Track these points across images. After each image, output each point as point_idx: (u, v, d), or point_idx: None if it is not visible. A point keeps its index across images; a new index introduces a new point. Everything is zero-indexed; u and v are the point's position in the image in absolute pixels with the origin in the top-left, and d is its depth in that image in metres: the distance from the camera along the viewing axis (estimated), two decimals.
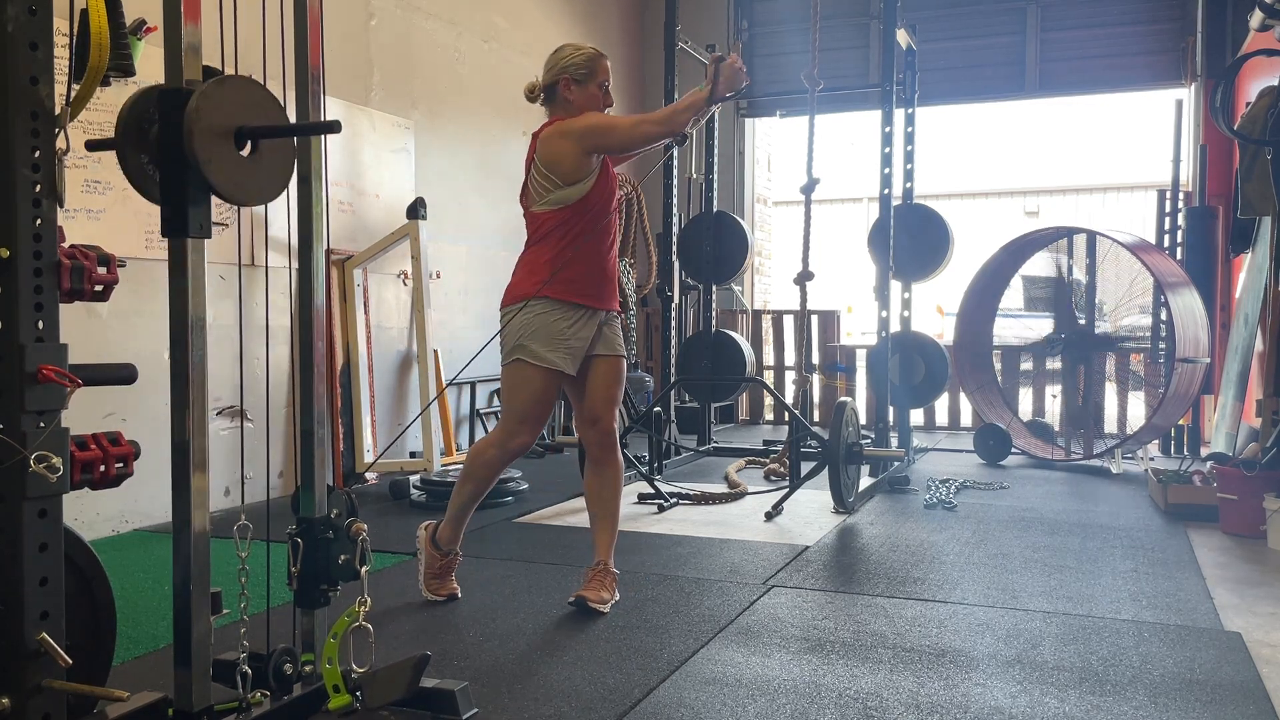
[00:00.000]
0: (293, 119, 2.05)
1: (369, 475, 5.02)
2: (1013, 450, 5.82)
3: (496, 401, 6.24)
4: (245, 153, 1.72)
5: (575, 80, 2.89)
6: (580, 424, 2.96)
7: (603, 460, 2.91)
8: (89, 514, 3.77)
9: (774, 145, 8.96)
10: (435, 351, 5.20)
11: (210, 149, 1.64)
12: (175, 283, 1.72)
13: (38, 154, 1.54)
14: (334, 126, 1.82)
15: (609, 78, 2.93)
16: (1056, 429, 6.19)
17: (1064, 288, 5.90)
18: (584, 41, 3.09)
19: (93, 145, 1.81)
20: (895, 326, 5.53)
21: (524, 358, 2.79)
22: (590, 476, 2.96)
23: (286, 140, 1.82)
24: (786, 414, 6.58)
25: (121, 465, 1.71)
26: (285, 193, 2.07)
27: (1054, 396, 6.41)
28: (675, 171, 5.87)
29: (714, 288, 6.18)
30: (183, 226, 1.66)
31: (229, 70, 1.86)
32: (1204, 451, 5.78)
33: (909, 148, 5.86)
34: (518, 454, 2.88)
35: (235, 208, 4.12)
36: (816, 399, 7.37)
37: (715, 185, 6.23)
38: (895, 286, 5.57)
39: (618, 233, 3.00)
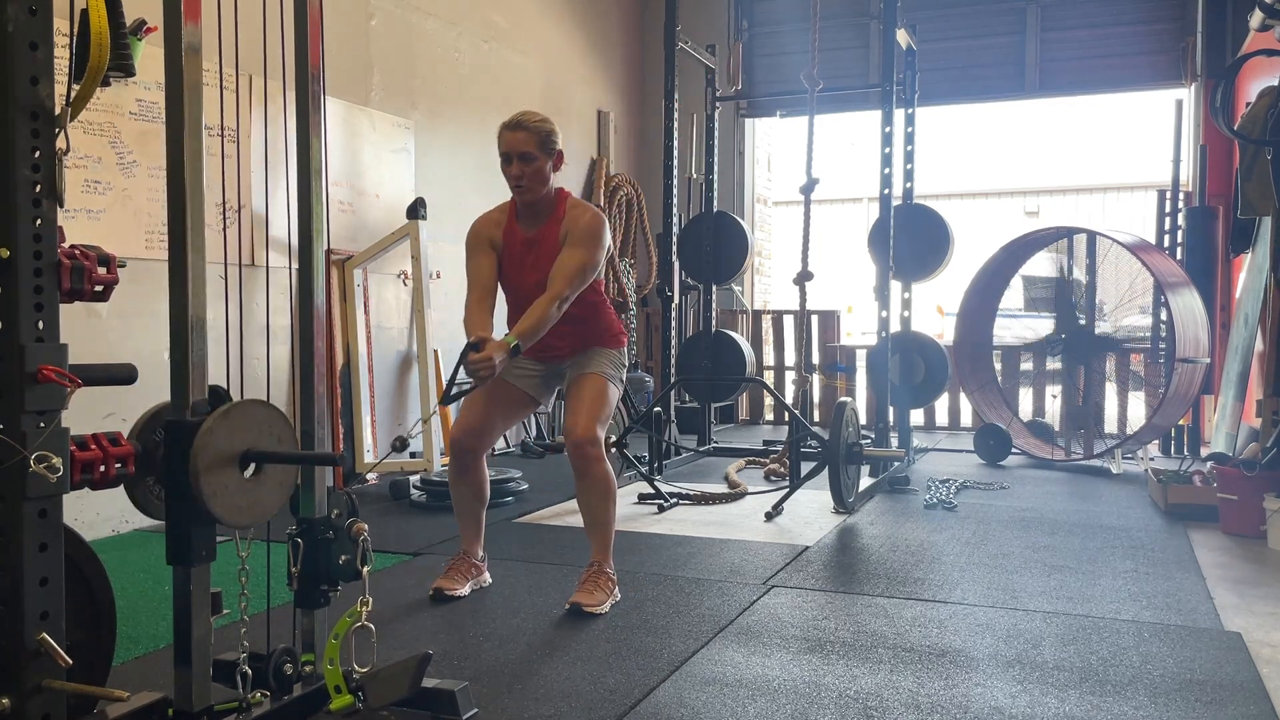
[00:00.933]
0: (293, 119, 2.05)
1: (369, 476, 5.02)
2: (1013, 450, 5.82)
3: None
4: (249, 474, 1.77)
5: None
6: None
7: (581, 471, 2.93)
8: (89, 514, 3.77)
9: (774, 145, 8.96)
10: (435, 351, 5.20)
11: (215, 483, 1.69)
12: (175, 283, 1.72)
13: (38, 154, 1.54)
14: (339, 460, 1.88)
15: (510, 149, 2.92)
16: (1056, 429, 6.20)
17: (1064, 287, 5.90)
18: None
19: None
20: (895, 326, 5.53)
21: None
22: (575, 485, 2.99)
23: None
24: (786, 414, 6.58)
25: (121, 465, 1.71)
26: (285, 192, 2.07)
27: (1054, 396, 6.41)
28: (675, 171, 5.87)
29: (714, 288, 6.18)
30: (187, 556, 1.72)
31: (229, 71, 1.86)
32: (1204, 451, 5.78)
33: (909, 148, 5.86)
34: (455, 455, 2.99)
35: (236, 209, 4.12)
36: (816, 399, 7.37)
37: (715, 185, 6.23)
38: (895, 286, 5.57)
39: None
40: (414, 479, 4.61)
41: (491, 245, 3.04)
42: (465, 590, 2.99)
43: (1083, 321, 5.84)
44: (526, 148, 2.87)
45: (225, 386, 1.78)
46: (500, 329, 2.85)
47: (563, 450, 5.88)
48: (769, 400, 8.09)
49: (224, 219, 2.96)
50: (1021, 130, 15.71)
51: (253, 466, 1.77)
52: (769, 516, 4.21)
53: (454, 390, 2.68)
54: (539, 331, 2.77)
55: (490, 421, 3.02)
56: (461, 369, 2.65)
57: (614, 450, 4.52)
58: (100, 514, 3.82)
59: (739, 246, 6.14)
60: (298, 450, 1.92)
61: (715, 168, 6.25)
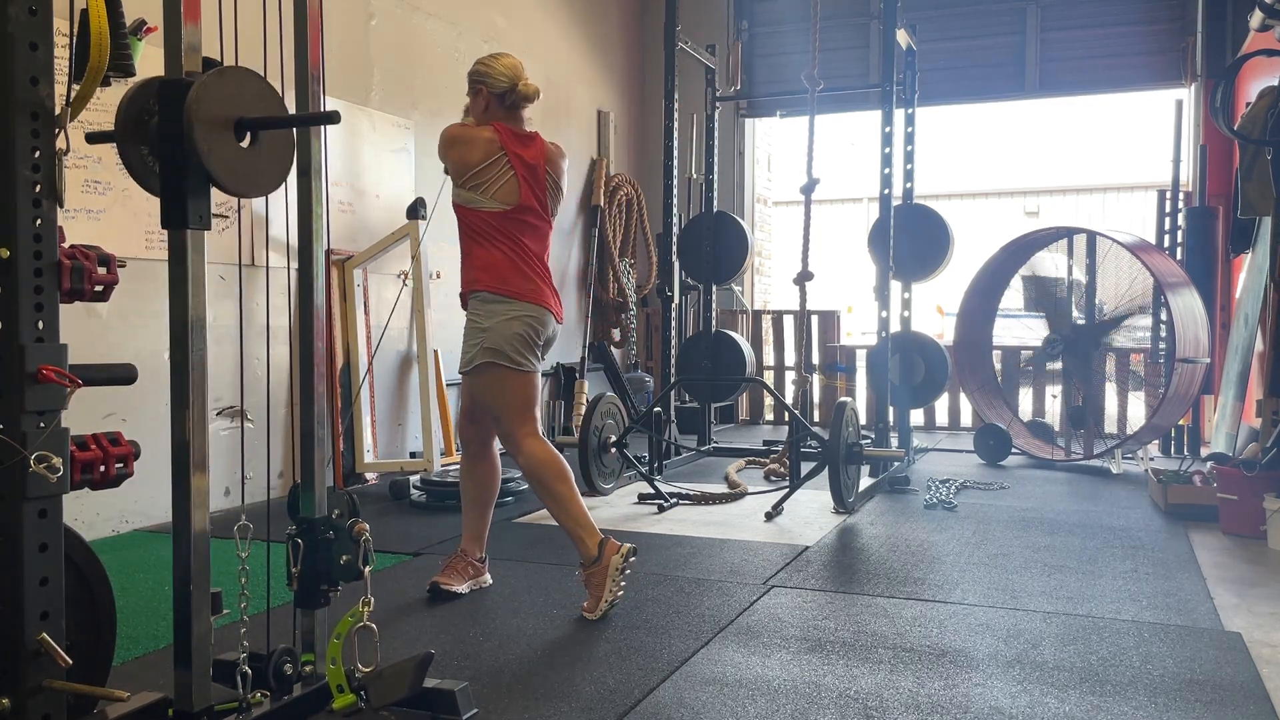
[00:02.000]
0: None
1: (369, 475, 5.02)
2: (1013, 450, 5.82)
3: None
4: (245, 144, 1.72)
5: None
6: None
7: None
8: (89, 514, 3.77)
9: (774, 145, 8.96)
10: (435, 351, 5.20)
11: (210, 139, 1.63)
12: (175, 282, 1.72)
13: (38, 154, 1.54)
14: (333, 117, 1.82)
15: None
16: (1056, 429, 6.20)
17: (1064, 288, 5.90)
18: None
19: (93, 138, 1.81)
20: (895, 326, 5.53)
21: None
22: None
23: (286, 132, 1.82)
24: (786, 414, 6.58)
25: (121, 465, 1.71)
26: (285, 193, 2.07)
27: (1054, 396, 6.41)
28: (675, 171, 5.87)
29: (714, 288, 6.18)
30: (182, 218, 1.65)
31: None
32: (1204, 451, 5.78)
33: (909, 148, 5.86)
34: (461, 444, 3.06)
35: (236, 204, 4.12)
36: (816, 399, 7.37)
37: (715, 185, 6.23)
38: (895, 286, 5.57)
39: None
40: (414, 479, 4.61)
41: None
42: (463, 589, 2.99)
43: (1082, 321, 5.84)
44: None
45: (230, 393, 1.78)
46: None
47: (561, 450, 5.88)
48: (769, 400, 8.08)
49: (224, 219, 2.96)
50: (1021, 130, 15.71)
51: (249, 136, 1.73)
52: (769, 516, 4.21)
53: None
54: None
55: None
56: None
57: (613, 450, 4.52)
58: (100, 514, 3.82)
59: (739, 246, 6.14)
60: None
61: (715, 168, 6.25)
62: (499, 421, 2.94)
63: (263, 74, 1.80)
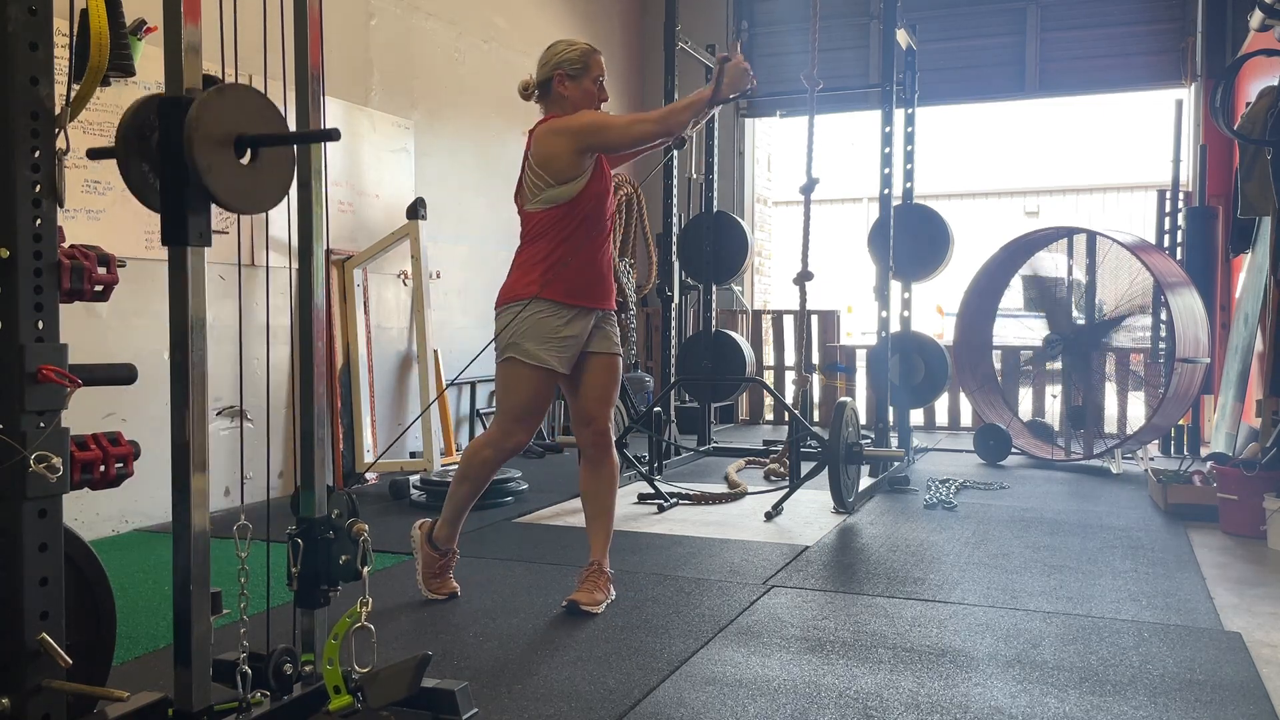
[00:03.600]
0: (293, 121, 2.05)
1: (369, 475, 5.02)
2: (1013, 450, 5.82)
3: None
4: (245, 161, 1.72)
5: (569, 76, 2.88)
6: (575, 424, 2.97)
7: (597, 460, 2.91)
8: (89, 514, 3.77)
9: (774, 145, 8.96)
10: (435, 351, 5.20)
11: (210, 157, 1.63)
12: (175, 283, 1.72)
13: (38, 154, 1.54)
14: (333, 135, 1.81)
15: (604, 73, 2.94)
16: (1056, 429, 6.20)
17: (1064, 287, 5.90)
18: (584, 41, 3.09)
19: (94, 154, 1.81)
20: (895, 326, 5.53)
21: (517, 356, 2.79)
22: (585, 476, 2.96)
23: (286, 148, 1.82)
24: (786, 414, 6.58)
25: (121, 465, 1.71)
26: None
27: (1054, 396, 6.41)
28: (675, 171, 5.87)
29: (714, 288, 6.18)
30: (183, 236, 1.65)
31: (229, 71, 1.86)
32: (1204, 451, 5.78)
33: (909, 148, 5.86)
34: (513, 453, 2.89)
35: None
36: (816, 399, 7.37)
37: (715, 185, 6.23)
38: (895, 286, 5.57)
39: (614, 233, 2.99)
40: (414, 479, 4.61)
41: None
42: (456, 585, 3.00)
43: (1082, 321, 5.84)
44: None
45: (230, 393, 1.78)
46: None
47: (561, 450, 5.89)
48: (769, 400, 8.08)
49: (224, 219, 2.96)
50: (1021, 130, 15.70)
51: (249, 153, 1.72)
52: (769, 516, 4.21)
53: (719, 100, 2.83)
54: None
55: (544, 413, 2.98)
56: (722, 82, 2.76)
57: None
58: (100, 514, 3.82)
59: (739, 246, 6.14)
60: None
61: (715, 168, 6.24)
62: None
63: (263, 75, 1.80)
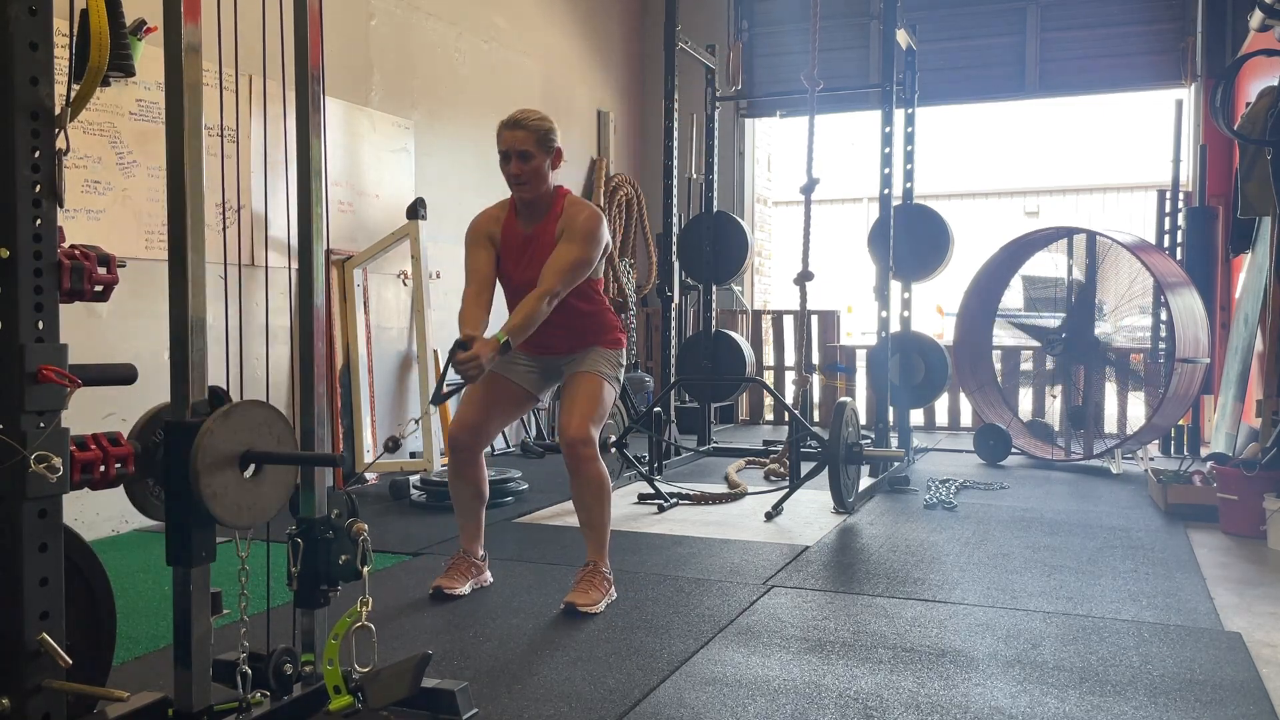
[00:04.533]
0: (292, 120, 2.05)
1: (369, 475, 5.02)
2: (1013, 450, 5.82)
3: None
4: (249, 474, 1.77)
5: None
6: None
7: (573, 470, 2.93)
8: (89, 514, 3.77)
9: (774, 145, 8.96)
10: (435, 351, 5.20)
11: (215, 483, 1.69)
12: (175, 283, 1.72)
13: (38, 154, 1.54)
14: (337, 460, 1.88)
15: (509, 146, 2.93)
16: (1056, 429, 6.19)
17: (1064, 287, 5.90)
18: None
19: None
20: (895, 326, 5.53)
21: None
22: (570, 484, 2.99)
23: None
24: (786, 414, 6.58)
25: (121, 465, 1.71)
26: (285, 192, 2.07)
27: (1054, 396, 6.41)
28: (675, 171, 5.87)
29: (714, 288, 6.18)
30: (188, 556, 1.72)
31: (229, 71, 1.86)
32: (1204, 451, 5.78)
33: (909, 148, 5.86)
34: (454, 452, 2.99)
35: (236, 209, 4.12)
36: (816, 399, 7.36)
37: (715, 185, 6.23)
38: (895, 286, 5.57)
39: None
40: (414, 479, 4.61)
41: (490, 241, 3.06)
42: (465, 589, 2.99)
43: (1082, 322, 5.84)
44: (525, 146, 2.89)
45: (225, 387, 1.78)
46: (499, 324, 2.85)
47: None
48: (769, 400, 8.08)
49: (224, 219, 2.96)
50: (1021, 130, 15.68)
51: (252, 467, 1.76)
52: (769, 516, 4.21)
53: (444, 389, 2.70)
54: (528, 327, 2.77)
55: (488, 417, 3.03)
56: (450, 368, 2.66)
57: (613, 450, 4.52)
58: (100, 514, 3.82)
59: (739, 246, 6.14)
60: (297, 450, 1.92)
61: (715, 168, 6.24)
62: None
63: (263, 75, 1.80)
